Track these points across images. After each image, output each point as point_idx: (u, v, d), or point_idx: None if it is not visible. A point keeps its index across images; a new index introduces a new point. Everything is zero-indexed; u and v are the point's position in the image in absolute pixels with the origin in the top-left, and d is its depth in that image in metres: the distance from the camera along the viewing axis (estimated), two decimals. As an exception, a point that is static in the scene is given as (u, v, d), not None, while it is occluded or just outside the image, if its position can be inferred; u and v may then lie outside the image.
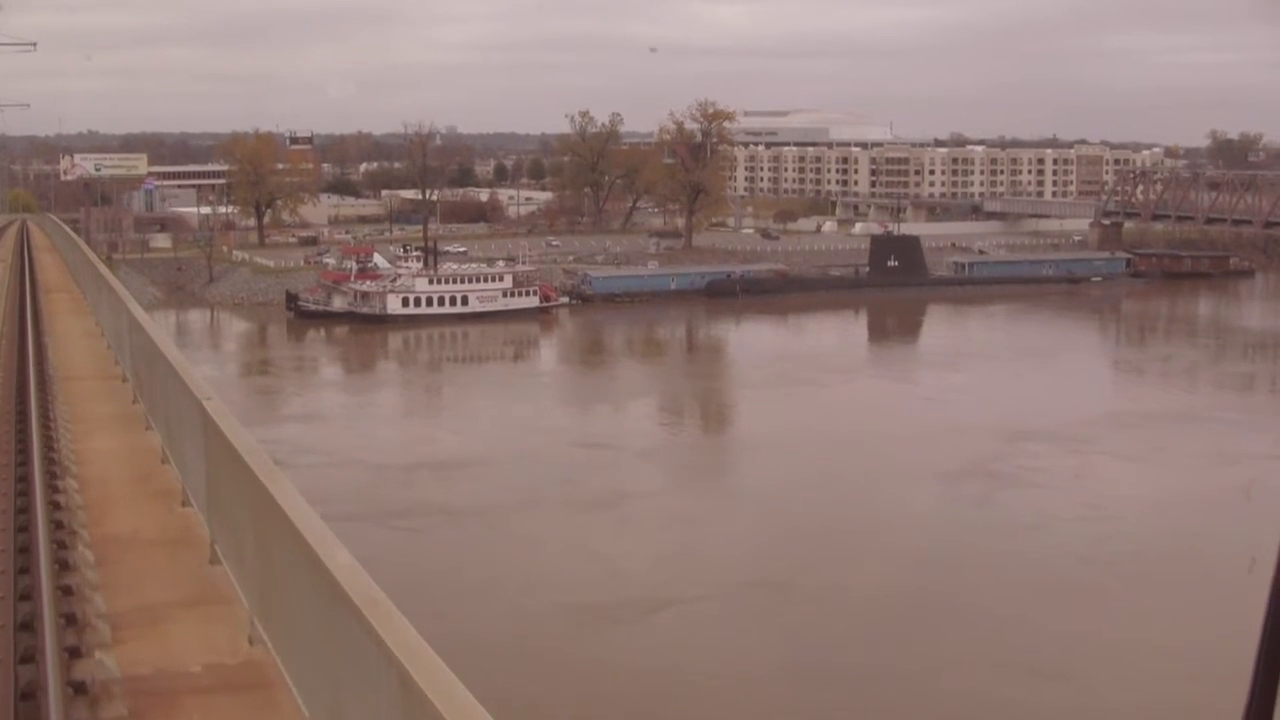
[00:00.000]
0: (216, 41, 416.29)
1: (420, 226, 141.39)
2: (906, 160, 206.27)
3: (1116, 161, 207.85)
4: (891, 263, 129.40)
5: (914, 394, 77.07)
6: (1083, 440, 62.58)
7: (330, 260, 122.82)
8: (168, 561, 10.34)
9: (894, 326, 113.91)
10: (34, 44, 49.50)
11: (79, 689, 7.27)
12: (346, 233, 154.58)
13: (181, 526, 11.21)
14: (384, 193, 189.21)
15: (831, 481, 55.43)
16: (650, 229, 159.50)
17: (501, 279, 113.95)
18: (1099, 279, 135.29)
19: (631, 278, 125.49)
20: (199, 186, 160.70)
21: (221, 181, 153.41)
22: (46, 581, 8.54)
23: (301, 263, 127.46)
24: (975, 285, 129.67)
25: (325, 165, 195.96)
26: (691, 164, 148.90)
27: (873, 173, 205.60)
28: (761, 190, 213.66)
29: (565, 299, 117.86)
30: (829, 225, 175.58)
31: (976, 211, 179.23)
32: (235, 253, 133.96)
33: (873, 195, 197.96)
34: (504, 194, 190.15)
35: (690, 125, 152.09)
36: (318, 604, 5.80)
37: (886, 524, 48.62)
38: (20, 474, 12.00)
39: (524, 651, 35.12)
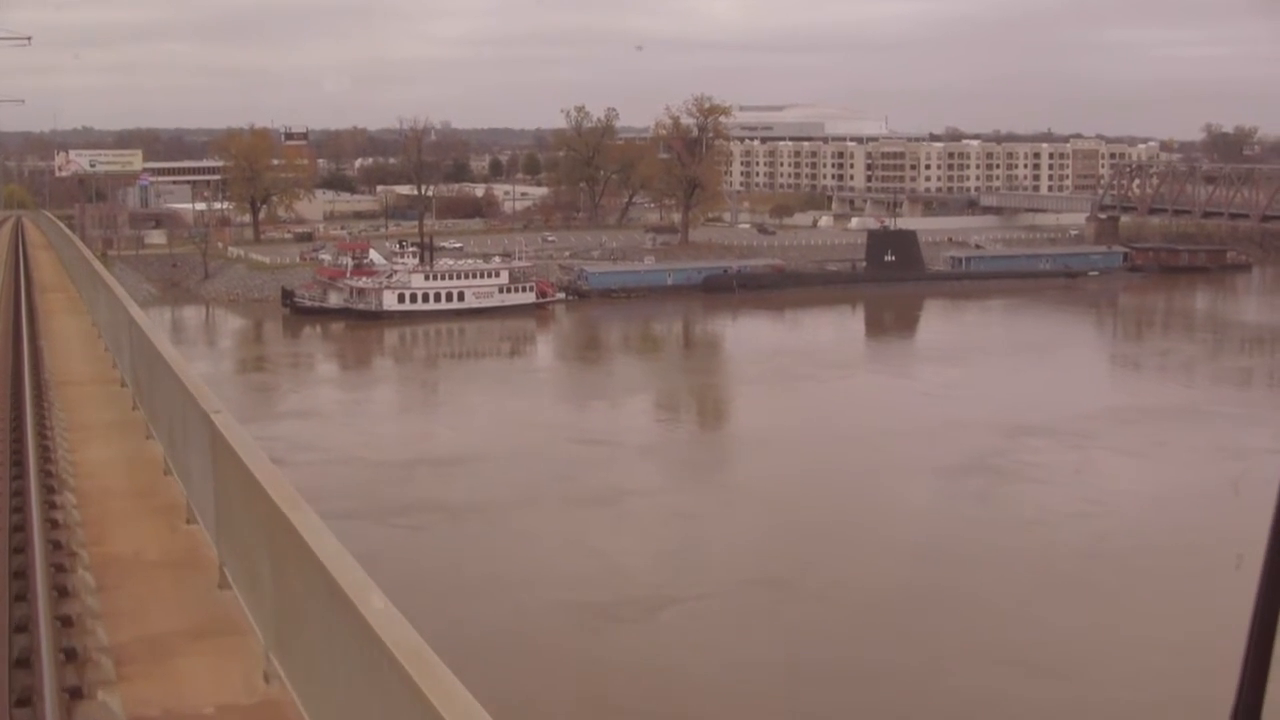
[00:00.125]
0: (211, 37, 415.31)
1: (416, 222, 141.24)
2: (902, 155, 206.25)
3: (1112, 155, 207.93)
4: (888, 257, 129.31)
5: (912, 389, 76.96)
6: (1082, 435, 62.49)
7: (326, 256, 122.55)
8: (173, 586, 9.70)
9: (891, 321, 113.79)
10: (29, 38, 49.25)
11: None
12: (342, 229, 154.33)
13: (187, 546, 10.58)
14: (379, 188, 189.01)
15: (831, 477, 55.32)
16: (646, 224, 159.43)
17: (498, 275, 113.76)
18: (1096, 273, 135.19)
19: (628, 273, 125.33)
20: (194, 182, 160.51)
21: (217, 177, 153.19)
22: (44, 611, 8.08)
23: (297, 259, 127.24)
24: (972, 280, 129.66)
25: (320, 161, 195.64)
26: (687, 159, 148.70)
27: (868, 167, 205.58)
28: (757, 185, 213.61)
29: (562, 295, 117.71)
30: (825, 220, 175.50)
31: (972, 206, 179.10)
32: (230, 249, 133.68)
33: (869, 190, 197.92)
34: (499, 189, 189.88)
35: (686, 120, 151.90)
36: (345, 646, 5.32)
37: (887, 519, 48.51)
38: (16, 487, 11.48)
39: (524, 650, 34.98)
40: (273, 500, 6.70)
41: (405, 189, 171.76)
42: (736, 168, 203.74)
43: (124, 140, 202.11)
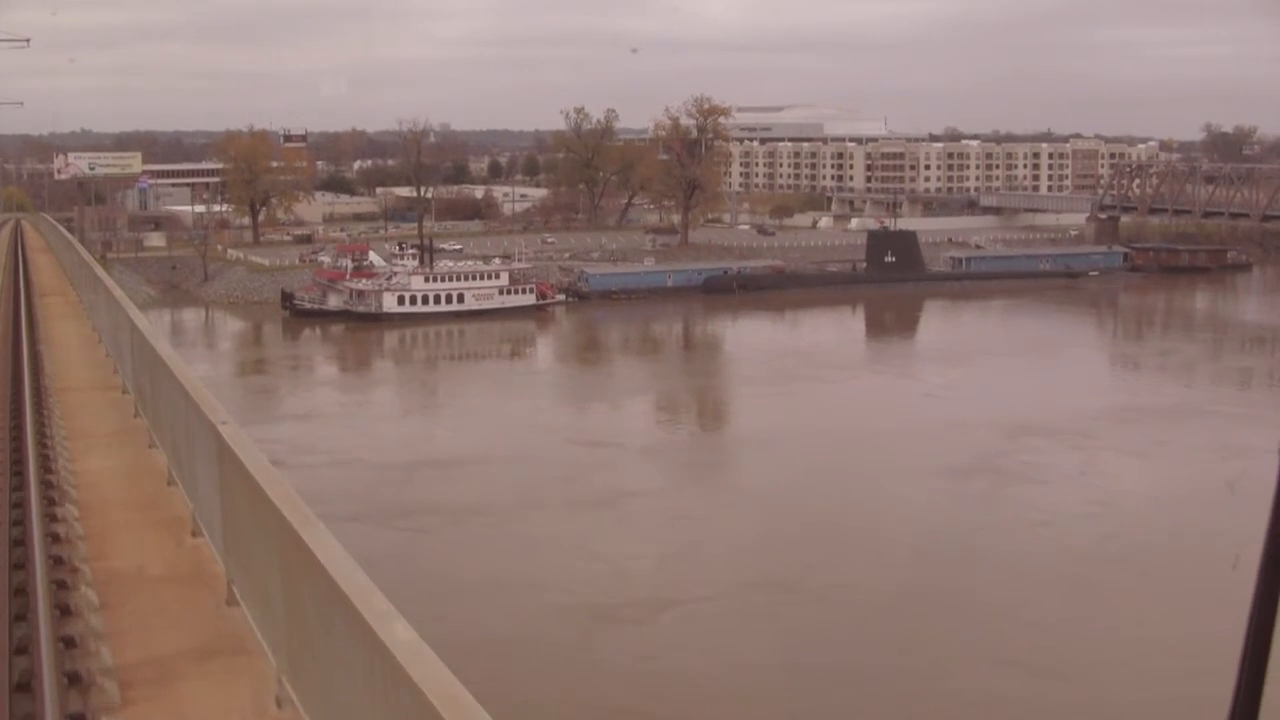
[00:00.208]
0: (209, 39, 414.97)
1: (415, 224, 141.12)
2: (902, 155, 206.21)
3: (1112, 155, 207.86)
4: (889, 258, 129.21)
5: (914, 390, 76.86)
6: (1085, 435, 62.40)
7: (325, 258, 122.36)
8: (179, 603, 9.37)
9: (892, 322, 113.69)
10: (28, 40, 49.05)
11: None
12: (341, 230, 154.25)
13: (193, 561, 10.27)
14: (379, 190, 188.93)
15: (833, 478, 55.21)
16: (646, 225, 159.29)
17: (498, 276, 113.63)
18: (1096, 273, 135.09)
19: (628, 275, 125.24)
20: (193, 185, 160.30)
21: (216, 180, 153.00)
22: (46, 632, 7.81)
23: (296, 261, 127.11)
24: (972, 280, 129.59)
25: (319, 163, 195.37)
26: (687, 160, 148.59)
27: (868, 168, 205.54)
28: (757, 186, 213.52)
29: (561, 296, 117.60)
30: (825, 221, 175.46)
31: (972, 206, 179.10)
32: (230, 251, 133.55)
33: (868, 190, 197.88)
34: (499, 191, 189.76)
35: (686, 121, 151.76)
36: (367, 675, 5.03)
37: (889, 521, 48.37)
38: (16, 499, 11.21)
39: (527, 652, 34.88)
40: (285, 519, 6.42)
41: (404, 191, 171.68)
42: (736, 169, 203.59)
43: (123, 143, 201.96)
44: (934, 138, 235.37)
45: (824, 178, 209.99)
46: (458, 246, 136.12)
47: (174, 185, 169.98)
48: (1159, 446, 61.70)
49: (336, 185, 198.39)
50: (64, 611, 8.64)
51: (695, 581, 41.70)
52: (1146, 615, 38.72)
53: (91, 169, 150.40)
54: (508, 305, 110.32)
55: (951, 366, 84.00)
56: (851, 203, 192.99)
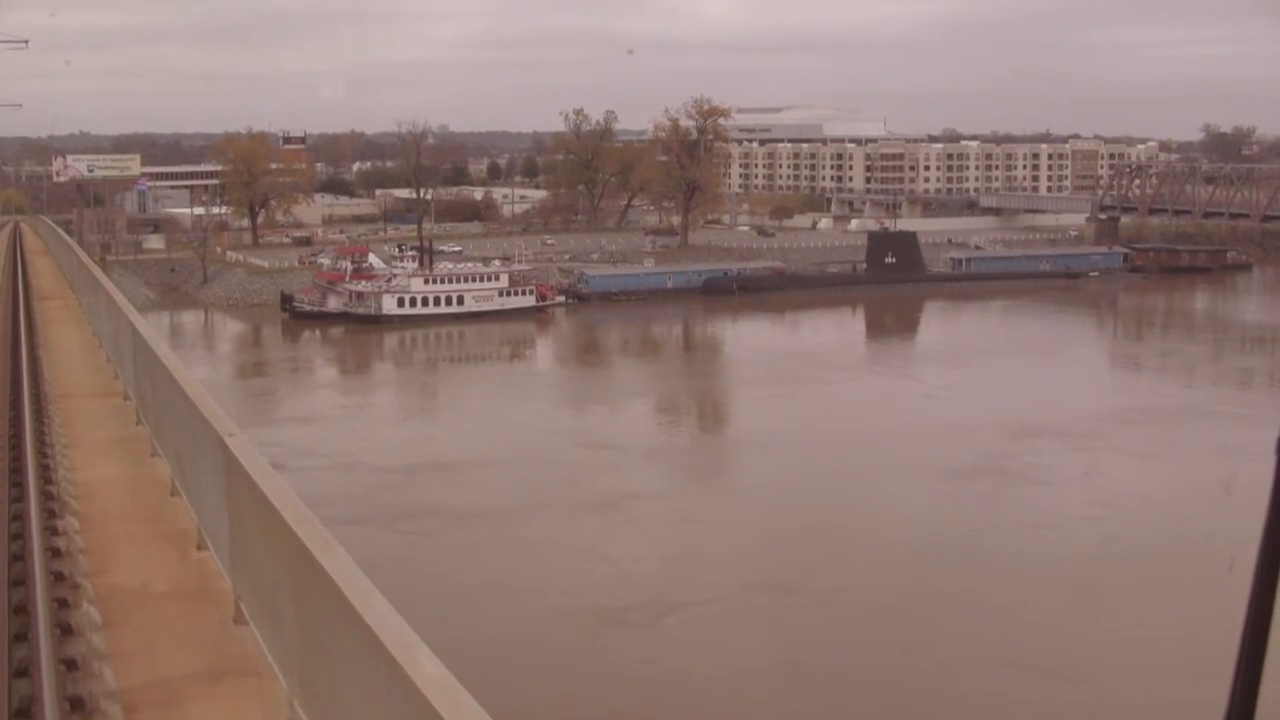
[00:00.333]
0: (207, 41, 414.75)
1: (415, 226, 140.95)
2: (901, 156, 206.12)
3: (1111, 156, 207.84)
4: (889, 259, 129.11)
5: (916, 391, 76.74)
6: (1088, 436, 62.28)
7: (325, 260, 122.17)
8: (185, 620, 9.02)
9: (893, 323, 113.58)
10: (26, 41, 48.88)
11: None
12: (341, 232, 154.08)
13: (198, 575, 9.95)
14: (378, 192, 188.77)
15: (836, 480, 55.08)
16: (646, 227, 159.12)
17: (497, 278, 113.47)
18: (1096, 274, 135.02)
19: (628, 276, 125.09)
20: (192, 187, 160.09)
21: (215, 182, 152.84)
22: (47, 653, 7.56)
23: (296, 263, 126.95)
24: (973, 281, 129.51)
25: (318, 165, 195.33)
26: (686, 161, 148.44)
27: (868, 169, 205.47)
28: (756, 187, 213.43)
29: (561, 298, 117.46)
30: (825, 222, 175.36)
31: (972, 207, 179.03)
32: (229, 253, 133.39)
33: (868, 191, 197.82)
34: (498, 193, 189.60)
35: (685, 122, 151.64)
36: (385, 707, 4.75)
37: (892, 522, 48.25)
38: (15, 511, 10.92)
39: (531, 655, 34.74)
40: (301, 542, 6.08)
41: (404, 192, 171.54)
42: (735, 170, 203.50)
43: (121, 145, 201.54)
44: (933, 138, 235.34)
45: (823, 179, 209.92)
46: (457, 248, 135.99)
47: (173, 187, 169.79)
48: (1162, 447, 61.57)
49: (335, 187, 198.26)
50: (65, 631, 8.38)
51: (699, 584, 41.58)
52: (1150, 617, 38.59)
53: (90, 171, 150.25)
54: (507, 307, 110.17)
55: (952, 367, 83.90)
56: (851, 204, 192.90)
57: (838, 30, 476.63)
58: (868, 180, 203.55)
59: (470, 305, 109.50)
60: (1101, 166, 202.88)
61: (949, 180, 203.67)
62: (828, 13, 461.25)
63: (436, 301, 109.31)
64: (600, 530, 47.70)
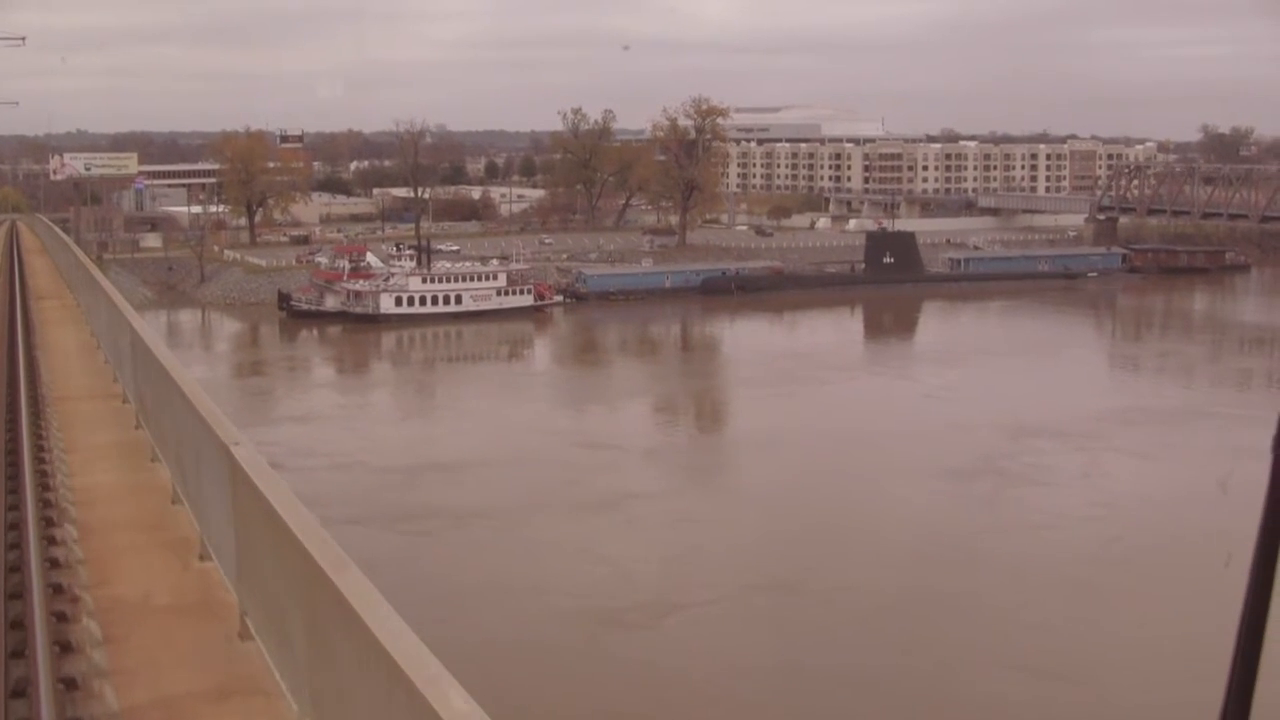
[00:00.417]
0: (205, 40, 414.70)
1: (412, 225, 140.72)
2: (900, 156, 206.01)
3: (1109, 156, 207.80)
4: (887, 259, 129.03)
5: (914, 391, 76.64)
6: (1088, 436, 62.20)
7: (322, 259, 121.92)
8: (188, 635, 8.71)
9: (891, 323, 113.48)
10: (23, 38, 48.55)
11: None
12: (338, 231, 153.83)
13: (201, 587, 9.62)
14: (375, 191, 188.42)
15: (836, 480, 54.97)
16: (644, 226, 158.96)
17: (495, 278, 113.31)
18: (1095, 274, 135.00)
19: (626, 276, 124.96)
20: (189, 185, 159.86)
21: (212, 180, 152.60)
22: (45, 673, 7.25)
23: (293, 262, 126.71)
24: (971, 281, 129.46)
25: (316, 163, 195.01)
26: (685, 161, 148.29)
27: (866, 169, 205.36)
28: (754, 187, 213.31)
29: (559, 297, 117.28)
30: (823, 222, 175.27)
31: (970, 207, 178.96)
32: (226, 252, 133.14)
33: (866, 191, 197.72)
34: (496, 192, 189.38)
35: (684, 122, 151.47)
36: None
37: (893, 523, 48.15)
38: (12, 519, 10.59)
39: (532, 656, 34.64)
40: (316, 562, 5.79)
41: (401, 191, 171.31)
42: (733, 169, 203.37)
43: (119, 143, 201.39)
44: (931, 139, 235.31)
45: (821, 178, 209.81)
46: (455, 247, 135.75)
47: (170, 186, 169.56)
48: (1161, 448, 61.48)
49: (333, 186, 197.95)
50: (64, 648, 8.08)
51: (698, 584, 41.47)
52: (1150, 617, 38.52)
53: (87, 170, 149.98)
54: (505, 306, 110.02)
55: (951, 368, 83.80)
56: (849, 203, 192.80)
57: (836, 30, 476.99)
58: (866, 180, 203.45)
59: (468, 305, 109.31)
60: (1099, 167, 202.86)
61: (947, 180, 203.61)
62: (826, 13, 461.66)
63: (434, 301, 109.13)
64: (600, 530, 47.57)
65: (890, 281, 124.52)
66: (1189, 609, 38.21)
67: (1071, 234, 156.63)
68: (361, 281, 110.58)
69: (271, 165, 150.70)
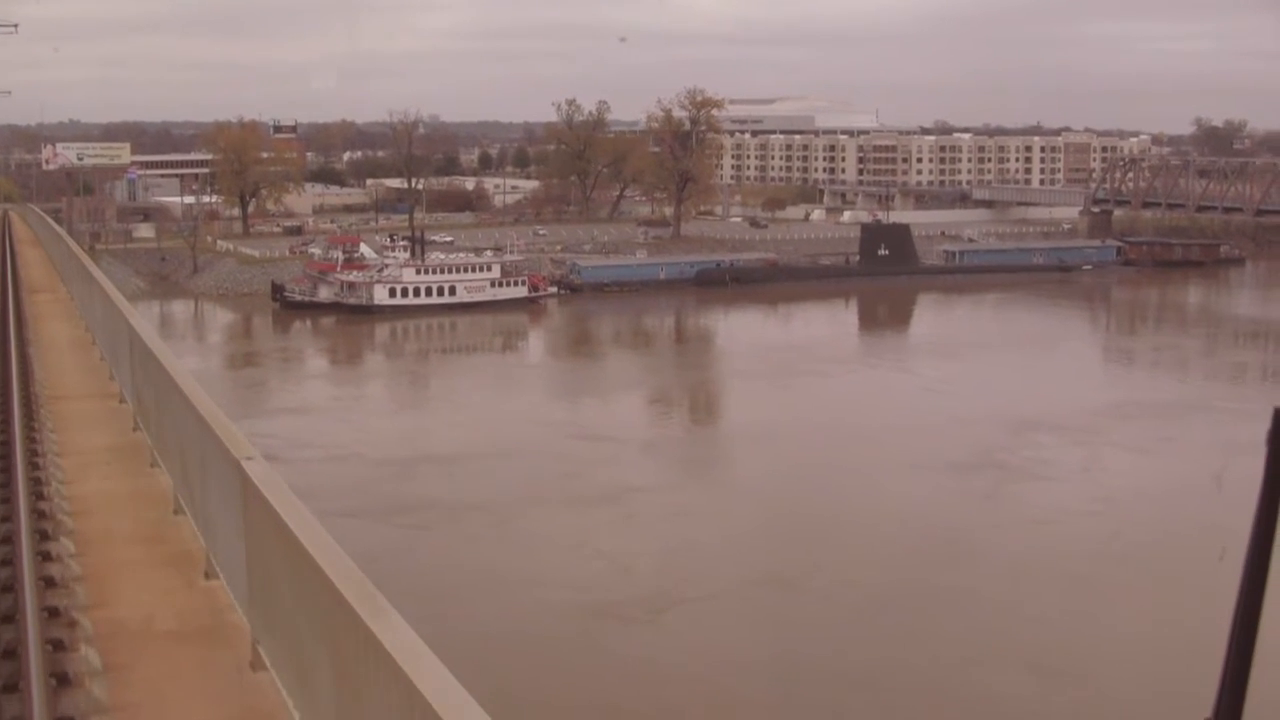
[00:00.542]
0: (197, 31, 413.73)
1: (406, 216, 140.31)
2: (894, 148, 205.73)
3: (1103, 149, 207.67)
4: (882, 251, 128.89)
5: (911, 384, 76.51)
6: (1086, 430, 62.11)
7: (316, 250, 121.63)
8: (196, 665, 8.06)
9: (886, 315, 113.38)
10: (15, 26, 48.11)
11: None
12: (332, 222, 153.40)
13: (208, 609, 8.96)
14: (369, 182, 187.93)
15: (834, 473, 54.80)
16: (638, 218, 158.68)
17: (489, 269, 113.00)
18: (1090, 267, 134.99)
19: (620, 267, 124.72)
20: (182, 176, 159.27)
21: (205, 171, 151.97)
22: (40, 711, 6.72)
23: (287, 253, 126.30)
24: (966, 274, 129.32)
25: (309, 154, 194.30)
26: (679, 152, 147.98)
27: (860, 160, 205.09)
28: (749, 178, 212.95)
29: (554, 289, 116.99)
30: (817, 213, 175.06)
31: (965, 199, 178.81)
32: (219, 243, 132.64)
33: (860, 183, 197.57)
34: (490, 183, 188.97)
35: (678, 113, 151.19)
36: None
37: (892, 517, 48.00)
38: (5, 532, 10.01)
39: (529, 650, 34.49)
40: (342, 596, 5.27)
41: (395, 182, 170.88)
42: (727, 161, 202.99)
43: (111, 133, 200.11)
44: (925, 130, 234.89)
45: (816, 170, 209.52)
46: (449, 238, 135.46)
47: (163, 176, 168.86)
48: (1157, 442, 61.44)
49: (326, 176, 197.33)
50: (61, 681, 7.49)
51: (695, 578, 41.29)
52: (1147, 611, 38.46)
53: (80, 159, 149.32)
54: (500, 298, 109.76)
55: (947, 360, 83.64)
56: (844, 195, 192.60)
57: (830, 22, 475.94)
58: (860, 172, 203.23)
59: (462, 296, 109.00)
60: (1094, 160, 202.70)
61: (941, 172, 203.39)
62: (820, 4, 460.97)
63: (428, 292, 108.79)
64: (596, 523, 47.40)
65: (885, 274, 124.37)
66: (1185, 603, 38.16)
67: (1066, 227, 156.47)
68: (355, 272, 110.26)
69: (265, 155, 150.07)
